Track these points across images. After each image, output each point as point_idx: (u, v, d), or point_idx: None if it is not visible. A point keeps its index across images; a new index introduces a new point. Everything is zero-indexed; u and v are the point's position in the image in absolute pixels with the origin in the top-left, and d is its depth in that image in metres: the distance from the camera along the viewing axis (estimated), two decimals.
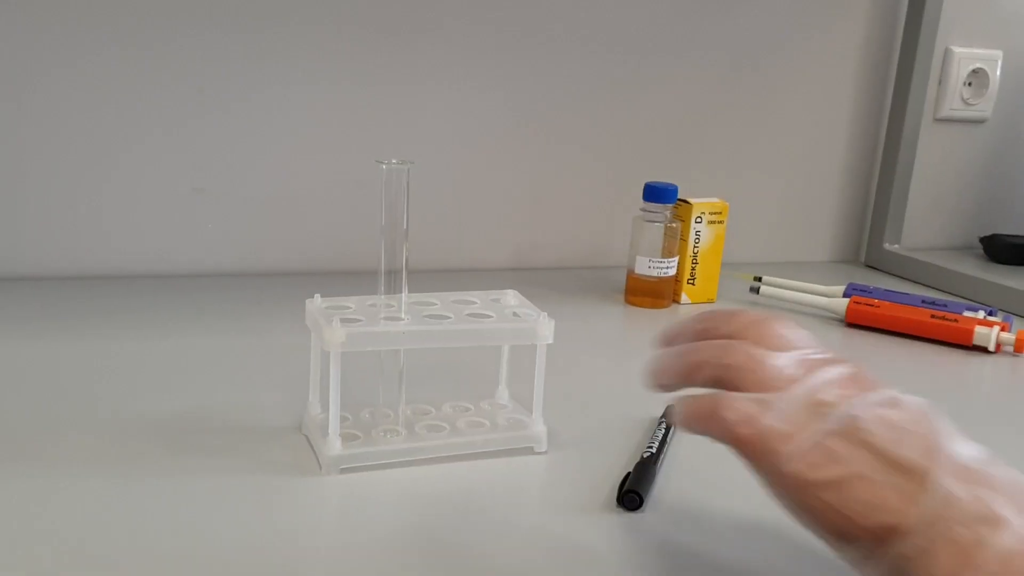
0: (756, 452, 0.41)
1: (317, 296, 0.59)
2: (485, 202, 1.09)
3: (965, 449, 0.40)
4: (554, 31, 1.06)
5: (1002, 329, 0.89)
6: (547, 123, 1.09)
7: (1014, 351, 0.89)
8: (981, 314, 0.93)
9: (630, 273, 0.99)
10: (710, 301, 1.01)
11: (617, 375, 0.79)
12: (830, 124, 1.24)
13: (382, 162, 0.56)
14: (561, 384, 0.74)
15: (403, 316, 0.58)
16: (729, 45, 1.15)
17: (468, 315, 0.59)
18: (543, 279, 1.07)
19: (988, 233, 1.33)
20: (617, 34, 1.09)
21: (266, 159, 0.99)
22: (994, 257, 1.29)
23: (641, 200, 0.97)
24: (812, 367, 0.43)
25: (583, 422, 0.67)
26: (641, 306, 0.98)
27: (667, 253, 0.97)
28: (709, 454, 0.47)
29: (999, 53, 1.29)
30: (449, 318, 0.58)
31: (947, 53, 1.27)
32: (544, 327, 0.59)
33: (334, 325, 0.54)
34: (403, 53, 1.01)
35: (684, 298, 1.00)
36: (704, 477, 0.59)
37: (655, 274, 0.97)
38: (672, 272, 0.98)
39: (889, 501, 0.37)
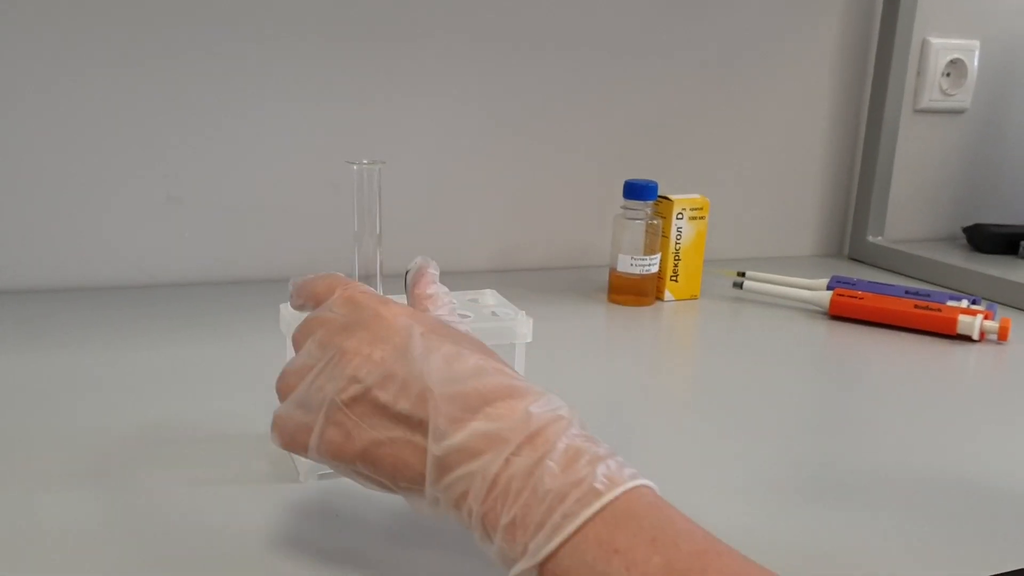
0: (296, 449, 0.44)
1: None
2: (465, 204, 1.08)
3: (448, 373, 0.41)
4: (532, 33, 1.06)
5: (985, 317, 0.89)
6: (526, 124, 1.08)
7: (998, 339, 0.89)
8: (964, 303, 0.93)
9: (613, 271, 0.98)
10: (694, 297, 1.01)
11: (599, 374, 0.78)
12: (810, 118, 1.24)
13: (353, 163, 0.56)
14: (542, 383, 0.73)
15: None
16: (707, 41, 1.14)
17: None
18: (525, 280, 1.06)
19: (971, 223, 1.33)
20: (595, 34, 1.09)
21: (243, 166, 0.98)
22: (978, 247, 1.29)
23: (622, 198, 0.96)
24: (329, 344, 0.44)
25: None
26: (625, 304, 0.98)
27: (649, 250, 0.97)
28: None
29: (976, 43, 1.29)
30: None
31: (924, 44, 1.27)
32: (523, 326, 0.59)
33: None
34: (381, 58, 1.00)
35: (668, 295, 1.00)
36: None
37: (637, 272, 0.97)
38: (655, 269, 0.98)
39: (407, 459, 0.40)
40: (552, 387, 0.75)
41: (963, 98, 1.31)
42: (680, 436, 0.67)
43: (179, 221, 0.97)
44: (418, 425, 0.40)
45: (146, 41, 0.91)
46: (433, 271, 0.52)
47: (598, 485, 0.37)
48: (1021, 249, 1.26)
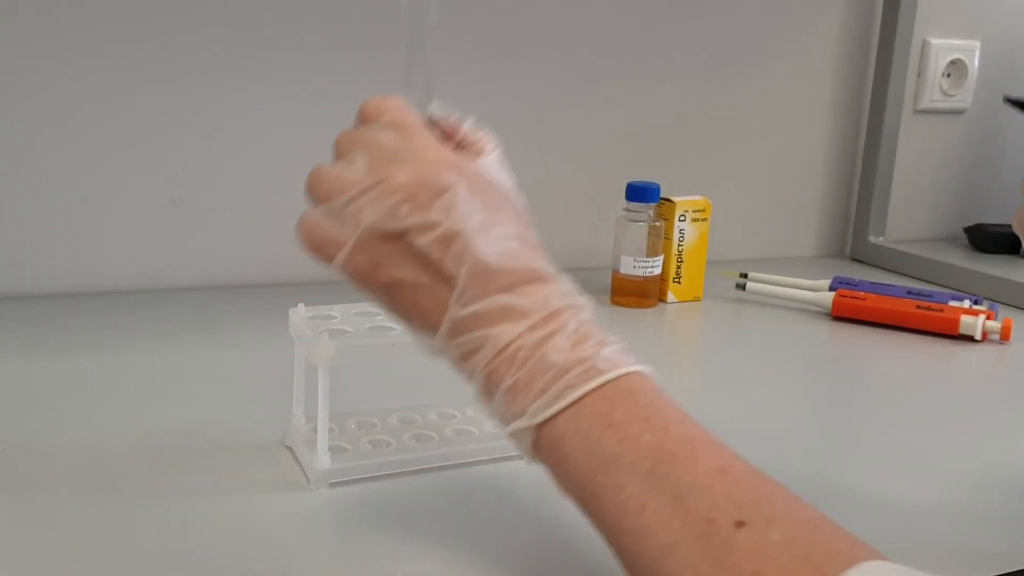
0: (321, 259, 0.45)
1: (301, 305, 0.58)
2: None
3: (486, 244, 0.42)
4: (532, 33, 1.06)
5: (988, 318, 0.89)
6: (526, 126, 1.08)
7: (1000, 339, 0.89)
8: (967, 303, 0.93)
9: (615, 273, 0.98)
10: (696, 299, 1.01)
11: None
12: (811, 119, 1.24)
13: None
14: None
15: (392, 326, 0.57)
16: (707, 42, 1.14)
17: None
18: None
19: (972, 223, 1.33)
20: (595, 35, 1.09)
21: (245, 168, 0.98)
22: (979, 247, 1.29)
23: (624, 200, 0.97)
24: (377, 170, 0.44)
25: None
26: (627, 306, 0.98)
27: (652, 252, 0.97)
28: None
29: (976, 43, 1.30)
30: None
31: (925, 45, 1.27)
32: None
33: (323, 338, 0.53)
34: (382, 58, 1.00)
35: (670, 296, 1.00)
36: None
37: (640, 273, 0.97)
38: (657, 271, 0.98)
39: (427, 306, 0.42)
40: None
41: (964, 98, 1.31)
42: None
43: (181, 224, 0.96)
44: (446, 280, 0.42)
45: (147, 42, 0.91)
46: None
47: (600, 364, 0.40)
48: (1023, 249, 1.27)
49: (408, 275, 0.42)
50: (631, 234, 0.97)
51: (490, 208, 0.43)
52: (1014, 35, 1.32)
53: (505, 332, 0.41)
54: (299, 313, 0.58)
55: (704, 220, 1.00)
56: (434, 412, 0.64)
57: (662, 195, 0.98)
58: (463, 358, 0.43)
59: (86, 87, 0.90)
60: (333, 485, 0.55)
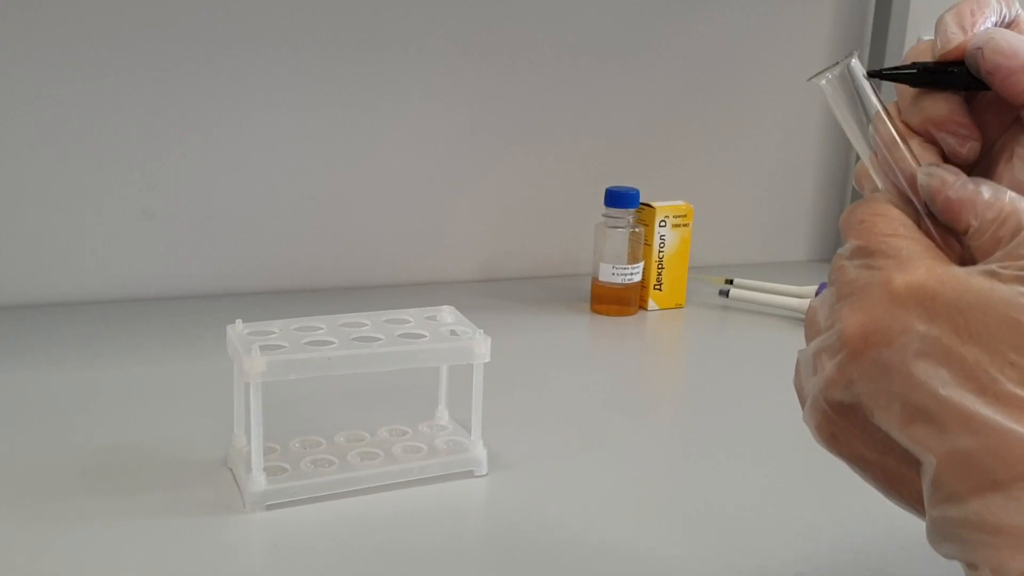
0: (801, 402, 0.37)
1: (239, 321, 0.56)
2: (448, 214, 1.06)
3: (960, 418, 0.31)
4: (515, 41, 1.04)
5: None
6: (508, 132, 1.06)
7: None
8: None
9: (595, 281, 0.96)
10: (679, 306, 0.99)
11: (579, 387, 0.76)
12: (801, 120, 1.21)
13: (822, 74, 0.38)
14: (514, 399, 0.72)
15: (331, 339, 0.55)
16: (692, 43, 1.12)
17: (400, 336, 0.57)
18: (510, 290, 1.04)
19: None
20: (575, 39, 1.06)
21: (221, 178, 0.96)
22: None
23: (603, 206, 0.94)
24: (835, 312, 0.34)
25: (532, 440, 0.64)
26: (607, 314, 0.96)
27: (632, 259, 0.94)
28: None
29: None
30: (380, 339, 0.56)
31: (919, 43, 1.24)
32: (480, 345, 0.57)
33: (253, 353, 0.51)
34: (362, 67, 0.99)
35: (651, 304, 0.98)
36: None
37: (619, 281, 0.94)
38: (637, 278, 0.95)
39: (900, 490, 0.34)
40: (521, 402, 0.74)
41: None
42: (664, 451, 0.65)
43: (155, 235, 0.95)
44: (914, 461, 0.33)
45: (118, 50, 0.90)
46: None
47: None
48: None
49: (870, 454, 0.34)
50: (610, 241, 0.94)
51: (976, 361, 0.30)
52: None
53: (1005, 556, 0.29)
54: (236, 329, 0.56)
55: (686, 226, 0.97)
56: (385, 429, 0.61)
57: (642, 200, 0.95)
58: (966, 564, 0.31)
59: (55, 96, 0.89)
60: (270, 507, 0.53)
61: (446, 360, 0.58)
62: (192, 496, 0.55)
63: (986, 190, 0.33)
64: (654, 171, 1.11)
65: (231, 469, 0.57)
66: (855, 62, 0.37)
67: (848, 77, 0.37)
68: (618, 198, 0.93)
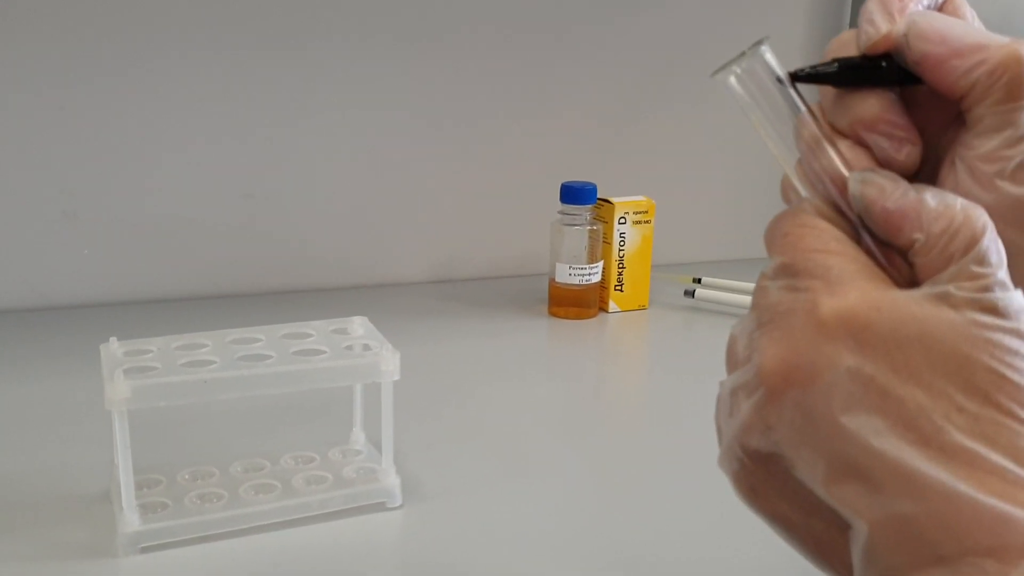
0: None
1: (113, 339, 0.50)
2: (399, 214, 0.99)
3: (899, 477, 0.26)
4: (464, 29, 0.97)
5: None
6: (460, 126, 1.00)
7: None
8: None
9: (552, 282, 0.89)
10: (642, 307, 0.92)
11: (520, 403, 0.70)
12: None
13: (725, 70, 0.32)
14: (448, 418, 0.66)
15: (213, 359, 0.49)
16: (657, 29, 1.05)
17: (297, 352, 0.50)
18: (464, 292, 0.98)
19: None
20: (530, 26, 1.00)
21: (144, 177, 0.90)
22: None
23: (559, 202, 0.88)
24: (753, 343, 0.29)
25: (460, 466, 0.58)
26: (565, 317, 0.89)
27: (591, 258, 0.88)
28: None
29: None
30: (270, 358, 0.49)
31: None
32: (387, 362, 0.50)
33: (116, 378, 0.45)
34: (303, 57, 0.92)
35: (612, 306, 0.91)
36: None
37: (577, 282, 0.88)
38: (596, 279, 0.89)
39: (829, 557, 0.28)
40: (456, 420, 0.67)
41: None
42: (625, 461, 0.59)
43: (76, 237, 0.88)
44: (846, 525, 0.27)
45: (34, 41, 0.83)
46: None
47: None
48: None
49: (794, 514, 0.28)
50: (567, 239, 0.88)
51: (918, 406, 0.25)
52: (1002, 16, 1.22)
53: None
54: (110, 349, 0.49)
55: (647, 222, 0.91)
56: (289, 456, 0.55)
57: (600, 196, 0.89)
58: None
59: None
60: (145, 550, 0.47)
61: (346, 380, 0.51)
62: (62, 536, 0.49)
63: (932, 198, 0.27)
64: (612, 164, 1.03)
65: (112, 505, 0.51)
66: (767, 52, 0.31)
67: (760, 71, 0.31)
68: (574, 194, 0.87)
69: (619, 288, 0.91)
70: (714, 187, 1.13)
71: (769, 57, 0.30)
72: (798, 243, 0.28)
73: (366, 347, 0.52)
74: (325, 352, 0.50)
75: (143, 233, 0.90)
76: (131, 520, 0.47)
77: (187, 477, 0.52)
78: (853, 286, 0.26)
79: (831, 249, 0.28)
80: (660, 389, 0.75)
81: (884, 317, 0.25)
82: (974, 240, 0.26)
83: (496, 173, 1.02)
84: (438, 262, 1.02)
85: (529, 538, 0.50)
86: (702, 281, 0.96)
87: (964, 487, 0.23)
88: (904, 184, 0.28)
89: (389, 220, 0.99)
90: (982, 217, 0.26)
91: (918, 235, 0.27)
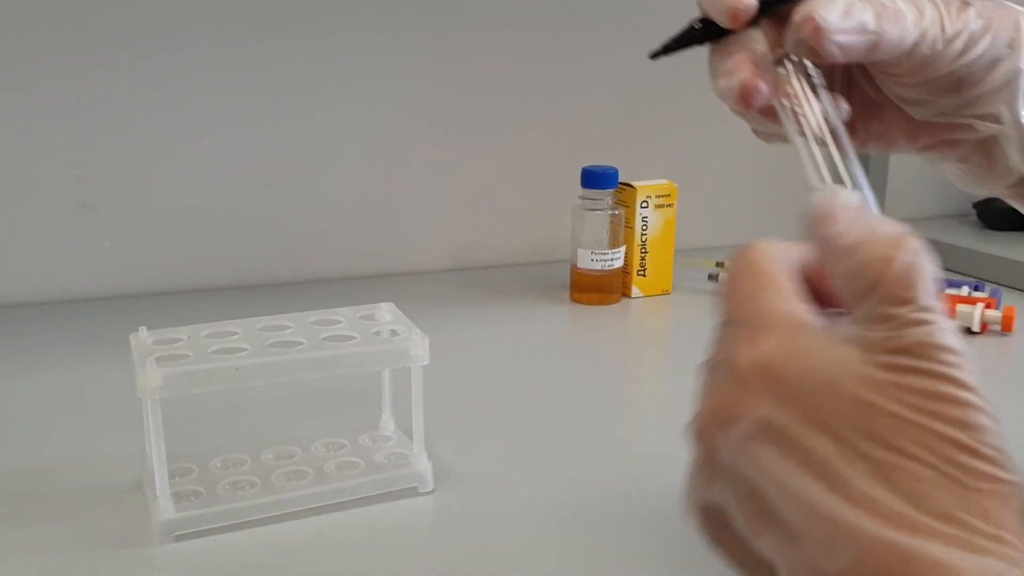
0: None
1: (142, 329, 0.50)
2: (418, 201, 0.99)
3: (820, 536, 0.26)
4: (481, 12, 0.96)
5: (987, 306, 0.79)
6: (479, 110, 0.99)
7: (1001, 330, 0.79)
8: (965, 290, 0.83)
9: (573, 268, 0.89)
10: (665, 292, 0.92)
11: (546, 388, 0.69)
12: None
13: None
14: (475, 403, 0.65)
15: (244, 346, 0.48)
16: (679, 14, 1.04)
17: (327, 338, 0.50)
18: (484, 279, 0.97)
19: (982, 198, 1.22)
20: (549, 8, 0.99)
21: (162, 168, 0.90)
22: (990, 224, 1.18)
23: (580, 187, 0.87)
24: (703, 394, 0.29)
25: (489, 451, 0.58)
26: (587, 303, 0.89)
27: (612, 243, 0.87)
28: None
29: None
30: (301, 344, 0.49)
31: None
32: (417, 346, 0.50)
33: (148, 366, 0.45)
34: (319, 47, 0.92)
35: (635, 291, 0.91)
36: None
37: (599, 267, 0.87)
38: (619, 264, 0.88)
39: None
40: (482, 405, 0.67)
41: None
42: (651, 446, 0.59)
43: (95, 230, 0.88)
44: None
45: (50, 33, 0.83)
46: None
47: None
48: None
49: (748, 564, 0.28)
50: (589, 224, 0.87)
51: (825, 455, 0.25)
52: None
53: None
54: (140, 338, 0.49)
55: (670, 206, 0.90)
56: (320, 443, 0.55)
57: (622, 180, 0.88)
58: None
59: None
60: (179, 538, 0.47)
61: (376, 365, 0.51)
62: (96, 525, 0.48)
63: (844, 232, 0.27)
64: (634, 148, 1.03)
65: (145, 494, 0.51)
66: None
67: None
68: (595, 178, 0.87)
69: (642, 273, 0.90)
70: (737, 170, 1.12)
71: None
72: (733, 291, 0.29)
73: (393, 332, 0.52)
74: (355, 338, 0.50)
75: (162, 224, 0.90)
76: (166, 508, 0.46)
77: (218, 465, 0.52)
78: (773, 334, 0.26)
79: (760, 294, 0.28)
80: (685, 374, 0.74)
81: (796, 366, 0.26)
82: (877, 280, 0.26)
83: (516, 158, 1.02)
84: (458, 249, 1.01)
85: (559, 521, 0.50)
86: (725, 265, 0.95)
87: (868, 529, 0.23)
88: (839, 213, 0.28)
89: (409, 208, 0.99)
90: (891, 250, 0.26)
91: (833, 271, 0.27)
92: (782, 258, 0.29)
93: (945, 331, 0.25)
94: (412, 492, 0.52)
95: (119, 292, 0.89)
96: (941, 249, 1.01)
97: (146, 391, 0.44)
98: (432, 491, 0.52)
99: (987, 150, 0.43)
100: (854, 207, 0.28)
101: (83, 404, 0.64)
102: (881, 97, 0.43)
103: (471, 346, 0.77)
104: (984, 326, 0.79)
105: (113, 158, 0.88)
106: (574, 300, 0.90)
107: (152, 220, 0.90)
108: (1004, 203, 1.24)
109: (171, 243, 0.91)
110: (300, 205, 0.94)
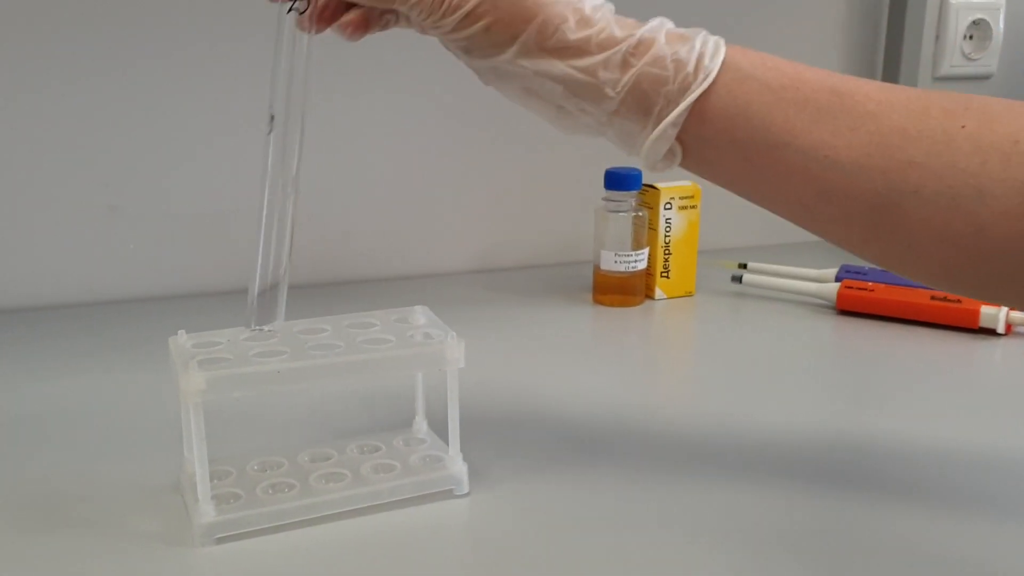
0: None
1: (182, 332, 0.50)
2: (441, 203, 0.99)
3: None
4: None
5: (1012, 308, 0.79)
6: (500, 112, 0.99)
7: None
8: None
9: (596, 270, 0.89)
10: (688, 294, 0.92)
11: (573, 390, 0.69)
12: None
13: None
14: (504, 406, 0.65)
15: (283, 349, 0.49)
16: (702, 12, 1.04)
17: (364, 342, 0.50)
18: (507, 281, 0.98)
19: None
20: None
21: (188, 171, 0.90)
22: None
23: (603, 189, 0.87)
24: None
25: (522, 452, 0.58)
26: (610, 305, 0.89)
27: (636, 245, 0.88)
28: None
29: (1001, 1, 1.18)
30: (339, 347, 0.49)
31: (943, 4, 1.16)
32: (453, 350, 0.50)
33: (191, 369, 0.45)
34: (342, 49, 0.92)
35: (659, 293, 0.91)
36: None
37: (623, 269, 0.88)
38: (642, 265, 0.88)
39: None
40: (512, 408, 0.67)
41: (988, 62, 1.20)
42: (674, 450, 0.59)
43: (122, 232, 0.89)
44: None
45: (74, 35, 0.84)
46: None
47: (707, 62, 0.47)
48: None
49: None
50: (612, 226, 0.88)
51: None
52: None
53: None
54: (179, 341, 0.50)
55: (693, 207, 0.90)
56: (355, 445, 0.55)
57: (645, 182, 0.89)
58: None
59: (7, 85, 0.83)
60: (221, 540, 0.47)
61: (414, 368, 0.52)
62: (136, 528, 0.49)
63: None
64: None
65: (183, 496, 0.51)
66: None
67: None
68: (619, 180, 0.87)
69: (665, 275, 0.91)
70: None
71: None
72: None
73: (427, 336, 0.52)
74: (391, 341, 0.51)
75: (188, 227, 0.91)
76: (207, 511, 0.47)
77: (256, 468, 0.52)
78: None
79: None
80: (710, 375, 0.75)
81: None
82: None
83: (539, 160, 1.02)
84: (481, 251, 1.02)
85: (593, 522, 0.50)
86: (748, 266, 0.95)
87: None
88: None
89: (431, 209, 0.99)
90: None
91: None
92: None
93: None
94: (448, 495, 0.52)
95: (145, 295, 0.90)
96: None
97: (189, 394, 0.45)
98: (468, 494, 0.52)
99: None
100: None
101: (114, 406, 0.65)
102: None
103: (494, 347, 0.77)
104: (1009, 327, 0.79)
105: (140, 161, 0.88)
106: (597, 302, 0.90)
107: (178, 223, 0.90)
108: None
109: (196, 246, 0.91)
110: (322, 208, 0.95)
